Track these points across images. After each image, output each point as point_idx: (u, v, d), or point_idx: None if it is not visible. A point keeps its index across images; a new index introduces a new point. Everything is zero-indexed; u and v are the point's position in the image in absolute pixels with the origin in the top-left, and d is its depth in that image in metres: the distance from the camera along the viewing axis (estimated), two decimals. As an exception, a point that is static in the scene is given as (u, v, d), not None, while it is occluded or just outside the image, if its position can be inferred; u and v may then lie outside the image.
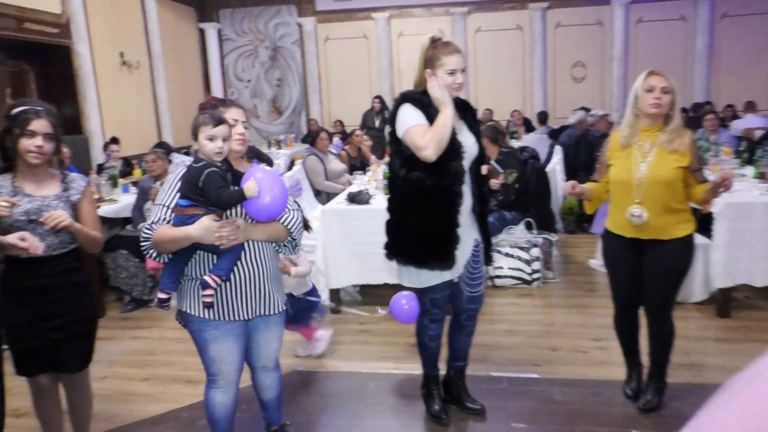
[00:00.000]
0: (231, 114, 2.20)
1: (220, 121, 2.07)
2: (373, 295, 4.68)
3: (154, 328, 4.34)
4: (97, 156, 7.44)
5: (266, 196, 2.04)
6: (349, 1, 11.01)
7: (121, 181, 5.76)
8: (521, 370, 3.31)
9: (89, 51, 7.50)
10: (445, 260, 2.57)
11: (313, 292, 3.55)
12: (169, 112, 9.44)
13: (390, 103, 10.37)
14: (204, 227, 2.03)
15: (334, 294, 4.46)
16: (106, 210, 4.85)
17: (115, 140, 7.26)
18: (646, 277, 2.74)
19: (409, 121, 2.49)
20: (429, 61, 2.53)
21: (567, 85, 11.05)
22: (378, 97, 10.03)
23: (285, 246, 2.31)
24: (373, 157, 6.69)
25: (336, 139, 8.75)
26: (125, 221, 5.12)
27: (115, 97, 8.14)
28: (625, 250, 2.75)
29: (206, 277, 2.09)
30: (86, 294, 2.45)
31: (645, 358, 3.01)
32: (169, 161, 4.93)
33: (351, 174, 6.37)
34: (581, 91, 10.85)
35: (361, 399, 3.17)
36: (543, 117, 10.00)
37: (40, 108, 2.26)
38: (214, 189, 2.01)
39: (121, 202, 5.11)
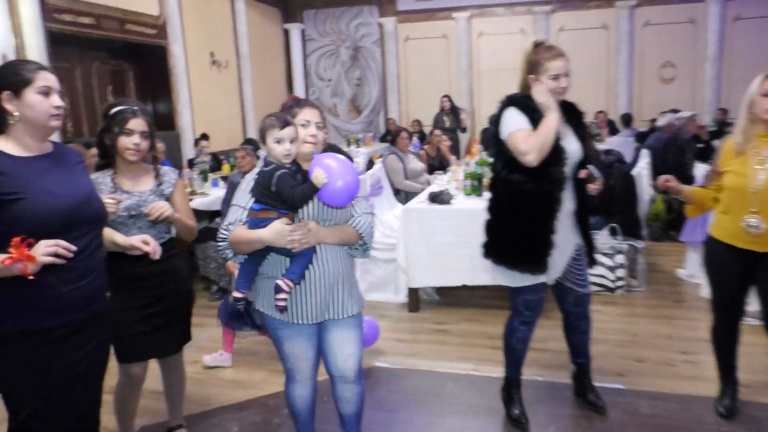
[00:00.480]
0: (304, 115, 2.18)
1: (286, 124, 2.07)
2: (451, 295, 4.69)
3: (239, 318, 4.52)
4: (188, 151, 7.81)
5: (337, 180, 2.01)
6: (430, 1, 11.02)
7: (210, 175, 6.02)
8: (605, 379, 3.23)
9: (183, 51, 7.88)
10: (537, 264, 2.56)
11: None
12: (254, 110, 9.77)
13: (458, 102, 10.30)
14: (276, 231, 2.05)
15: (413, 293, 4.50)
16: (197, 203, 5.10)
17: (205, 136, 7.60)
18: (764, 294, 2.61)
19: (515, 124, 2.50)
20: (532, 66, 2.52)
21: (654, 87, 10.60)
22: (446, 96, 9.85)
23: (356, 249, 2.29)
24: (453, 158, 6.68)
25: (414, 139, 8.77)
26: (213, 214, 5.36)
27: (205, 95, 8.51)
28: (733, 260, 2.63)
29: (279, 281, 2.12)
30: (183, 280, 2.61)
31: (742, 376, 2.87)
32: (257, 157, 5.12)
33: (430, 174, 6.40)
34: (670, 93, 10.38)
35: (439, 398, 3.19)
36: (627, 119, 9.65)
37: (135, 107, 2.41)
38: (287, 189, 2.03)
39: (211, 195, 5.36)
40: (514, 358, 2.86)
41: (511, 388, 2.93)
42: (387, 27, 11.29)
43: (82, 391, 1.90)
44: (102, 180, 2.41)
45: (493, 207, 2.69)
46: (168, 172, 2.57)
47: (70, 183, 1.86)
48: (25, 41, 5.38)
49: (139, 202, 2.41)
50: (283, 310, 2.17)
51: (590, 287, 2.86)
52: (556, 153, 2.48)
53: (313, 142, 2.18)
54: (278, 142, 2.06)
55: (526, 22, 10.68)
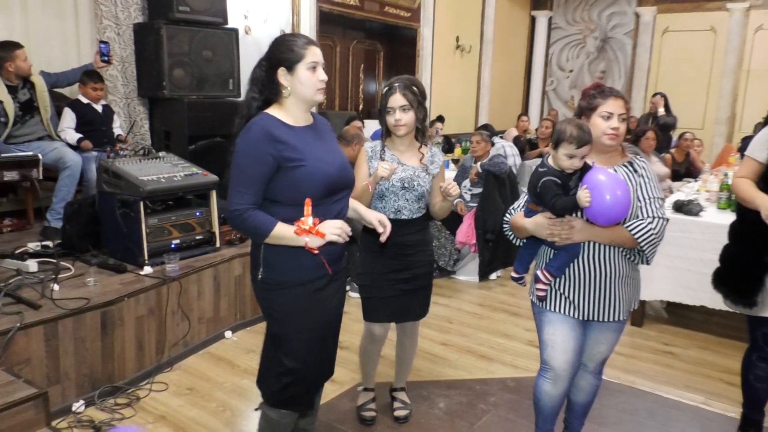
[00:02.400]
0: (606, 107, 2.09)
1: (584, 143, 2.00)
2: (682, 316, 4.25)
3: (454, 299, 4.62)
4: (421, 131, 8.12)
5: (602, 205, 1.92)
6: (700, -11, 9.90)
7: (442, 156, 6.19)
8: None
9: (431, 34, 8.17)
10: (745, 297, 2.37)
11: None
12: (488, 96, 9.80)
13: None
14: (536, 223, 2.11)
15: (638, 306, 4.15)
16: (428, 181, 5.27)
17: (440, 118, 7.84)
18: None
19: (755, 146, 2.34)
20: None
21: None
22: (660, 93, 8.27)
23: (636, 254, 2.14)
24: (707, 165, 5.96)
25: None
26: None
27: (445, 78, 8.74)
28: None
29: (538, 271, 2.17)
30: (430, 252, 2.74)
31: None
32: (492, 144, 5.13)
33: (674, 181, 5.80)
34: None
35: (661, 425, 2.91)
36: None
37: (396, 83, 2.51)
38: (548, 197, 2.06)
39: (442, 176, 5.50)
40: (750, 395, 2.55)
41: (747, 427, 2.62)
42: (644, 17, 10.42)
43: (331, 336, 2.11)
44: (378, 149, 2.58)
45: (732, 228, 2.50)
46: (437, 153, 2.68)
47: (332, 151, 2.00)
48: (300, 19, 6.04)
49: (412, 176, 2.55)
50: (541, 300, 2.21)
51: None
52: None
53: (615, 135, 2.08)
54: (570, 157, 2.03)
55: (824, 15, 9.04)
